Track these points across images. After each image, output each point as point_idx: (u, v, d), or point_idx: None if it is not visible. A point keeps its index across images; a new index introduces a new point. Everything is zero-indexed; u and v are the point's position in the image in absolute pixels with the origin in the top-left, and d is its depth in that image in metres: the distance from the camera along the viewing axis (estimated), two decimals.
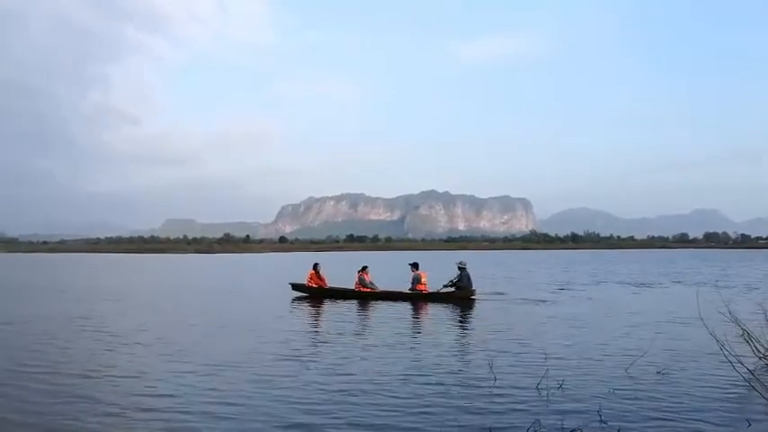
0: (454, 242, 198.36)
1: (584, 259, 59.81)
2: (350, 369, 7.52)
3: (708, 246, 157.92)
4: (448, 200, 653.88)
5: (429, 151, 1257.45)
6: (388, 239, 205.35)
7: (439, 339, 9.99)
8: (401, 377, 7.06)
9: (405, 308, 14.61)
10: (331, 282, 18.10)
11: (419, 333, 11.01)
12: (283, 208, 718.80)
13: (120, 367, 7.66)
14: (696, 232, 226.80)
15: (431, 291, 16.19)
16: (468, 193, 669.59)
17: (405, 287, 16.63)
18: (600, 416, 5.45)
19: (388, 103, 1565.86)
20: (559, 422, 5.26)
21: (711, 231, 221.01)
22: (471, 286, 16.13)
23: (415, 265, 16.62)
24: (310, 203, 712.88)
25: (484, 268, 37.00)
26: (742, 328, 6.82)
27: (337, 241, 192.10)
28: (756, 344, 6.97)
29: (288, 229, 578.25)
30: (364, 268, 17.39)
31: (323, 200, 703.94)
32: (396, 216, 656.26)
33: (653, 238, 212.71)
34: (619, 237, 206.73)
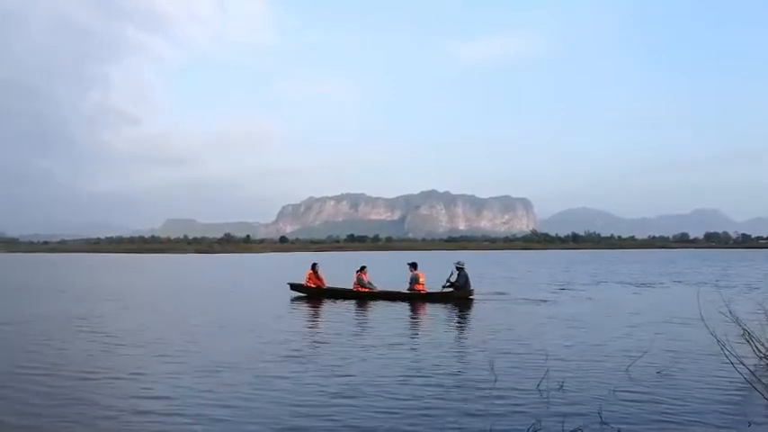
0: (455, 242, 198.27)
1: (584, 259, 59.79)
2: (349, 370, 7.49)
3: (708, 246, 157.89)
4: (448, 200, 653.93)
5: (429, 151, 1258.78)
6: (389, 239, 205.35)
7: (438, 340, 9.97)
8: (400, 378, 7.03)
9: (403, 308, 14.59)
10: (330, 282, 18.08)
11: (418, 333, 10.99)
12: (284, 208, 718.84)
13: (119, 369, 7.62)
14: (696, 232, 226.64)
15: (429, 291, 16.19)
16: (469, 193, 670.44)
17: (403, 287, 16.62)
18: (600, 416, 5.42)
19: (388, 103, 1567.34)
20: (560, 423, 5.23)
21: (712, 231, 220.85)
22: (469, 286, 16.10)
23: (413, 265, 16.61)
24: (311, 203, 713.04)
25: (484, 268, 36.99)
26: (743, 328, 6.79)
27: (338, 241, 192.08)
28: (757, 344, 6.95)
29: (288, 229, 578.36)
30: (362, 268, 17.39)
31: (323, 200, 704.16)
32: (396, 216, 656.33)
33: (653, 237, 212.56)
34: (619, 237, 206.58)
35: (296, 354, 8.57)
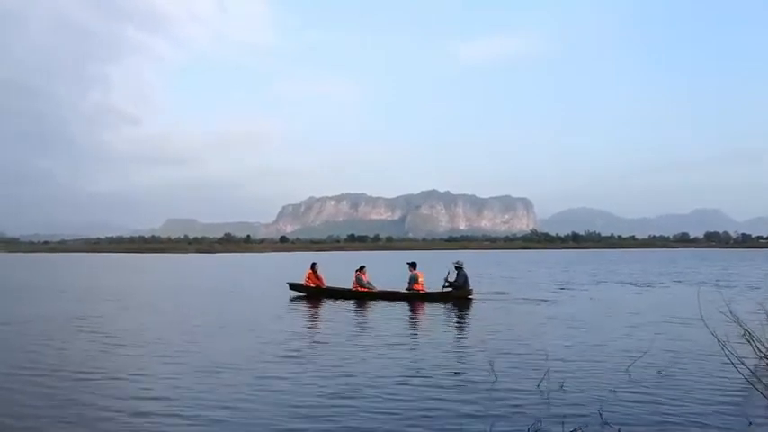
0: (455, 242, 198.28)
1: (584, 259, 59.76)
2: (348, 370, 7.47)
3: (709, 245, 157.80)
4: (449, 199, 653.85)
5: (429, 151, 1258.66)
6: (389, 239, 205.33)
7: (438, 340, 9.95)
8: (400, 378, 7.02)
9: (402, 308, 14.57)
10: (329, 281, 18.09)
11: (417, 333, 10.98)
12: (284, 208, 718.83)
13: (118, 369, 7.60)
14: (697, 232, 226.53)
15: (428, 290, 16.18)
16: (469, 193, 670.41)
17: (402, 287, 16.61)
18: (601, 416, 5.41)
19: (388, 102, 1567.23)
20: (560, 423, 5.22)
21: (712, 231, 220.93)
22: (468, 286, 16.09)
23: (412, 265, 16.61)
24: (311, 203, 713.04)
25: (485, 268, 36.98)
26: (743, 328, 6.77)
27: (338, 241, 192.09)
28: (758, 344, 6.92)
29: (289, 229, 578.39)
30: (362, 268, 17.40)
31: (323, 200, 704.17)
32: (397, 216, 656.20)
33: (654, 237, 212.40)
34: (620, 236, 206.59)
35: (295, 354, 8.56)
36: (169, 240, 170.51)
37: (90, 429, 5.29)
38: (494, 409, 5.73)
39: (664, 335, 9.94)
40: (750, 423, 5.28)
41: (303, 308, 15.15)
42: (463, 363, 8.07)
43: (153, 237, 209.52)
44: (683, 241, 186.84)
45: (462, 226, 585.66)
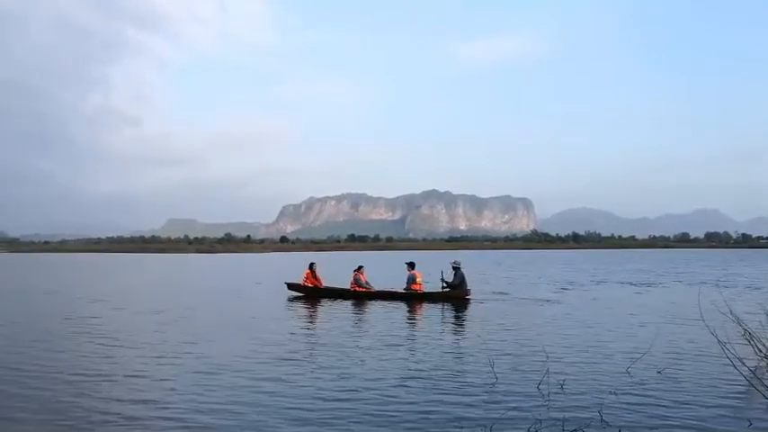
0: (455, 242, 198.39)
1: (585, 259, 59.74)
2: (346, 371, 7.43)
3: (709, 245, 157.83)
4: (449, 199, 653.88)
5: (430, 151, 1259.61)
6: (390, 239, 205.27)
7: (437, 340, 9.93)
8: (400, 379, 6.98)
9: (400, 308, 14.54)
10: (327, 281, 18.08)
11: (416, 334, 10.92)
12: (284, 208, 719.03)
13: (111, 371, 7.49)
14: (697, 232, 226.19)
15: (426, 291, 16.16)
16: (470, 193, 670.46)
17: (401, 287, 16.60)
18: (601, 416, 5.39)
19: (388, 103, 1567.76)
20: (560, 423, 5.20)
21: (712, 231, 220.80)
22: (466, 286, 16.07)
23: (411, 265, 16.60)
24: (311, 203, 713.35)
25: (485, 268, 36.97)
26: (744, 328, 6.75)
27: (338, 241, 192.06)
28: (758, 344, 6.91)
29: (289, 229, 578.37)
30: (360, 268, 17.39)
31: (324, 200, 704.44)
32: (397, 216, 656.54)
33: (654, 237, 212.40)
34: (620, 236, 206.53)
35: (292, 356, 8.50)
36: (169, 240, 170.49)
37: None
38: (493, 411, 5.69)
39: (664, 335, 9.90)
40: (751, 424, 5.25)
41: (301, 308, 15.13)
42: (463, 364, 8.02)
43: (153, 237, 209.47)
44: (684, 241, 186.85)
45: (462, 226, 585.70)
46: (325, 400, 6.14)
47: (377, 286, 17.24)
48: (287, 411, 5.75)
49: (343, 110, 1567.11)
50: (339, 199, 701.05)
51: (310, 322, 12.80)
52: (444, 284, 15.99)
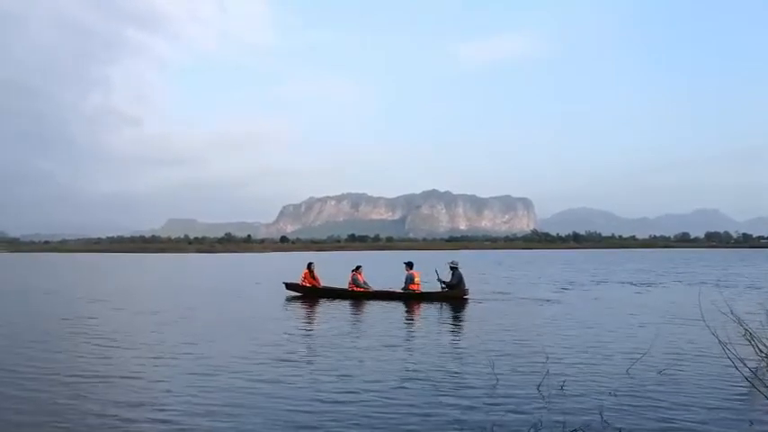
0: (456, 242, 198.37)
1: (585, 259, 59.70)
2: (345, 372, 7.39)
3: (709, 245, 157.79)
4: (449, 199, 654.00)
5: (430, 151, 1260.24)
6: (390, 239, 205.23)
7: (436, 340, 9.89)
8: (399, 380, 6.94)
9: (398, 308, 14.51)
10: (326, 281, 18.06)
11: (414, 334, 10.89)
12: (284, 208, 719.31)
13: (108, 372, 7.43)
14: (697, 232, 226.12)
15: (424, 290, 16.13)
16: (470, 193, 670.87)
17: (399, 287, 16.56)
18: (601, 416, 5.35)
19: (388, 103, 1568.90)
20: (561, 423, 5.17)
21: (712, 231, 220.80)
22: (464, 286, 16.04)
23: (409, 265, 16.57)
24: (311, 203, 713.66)
25: (485, 268, 36.94)
26: (744, 328, 6.72)
27: (338, 241, 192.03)
28: (759, 344, 6.87)
29: (289, 229, 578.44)
30: (358, 268, 17.38)
31: (324, 200, 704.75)
32: (397, 216, 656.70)
33: (654, 237, 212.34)
34: (620, 236, 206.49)
35: (290, 356, 8.46)
36: (169, 240, 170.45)
37: None
38: (494, 410, 5.67)
39: (664, 336, 9.86)
40: (751, 424, 5.23)
41: (299, 308, 15.09)
42: (462, 364, 7.96)
43: (153, 237, 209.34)
44: (684, 241, 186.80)
45: (463, 226, 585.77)
46: (323, 401, 6.09)
47: (375, 286, 17.22)
48: (285, 413, 5.69)
49: (343, 110, 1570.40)
50: (339, 199, 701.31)
51: (308, 323, 12.76)
52: (442, 284, 15.96)
